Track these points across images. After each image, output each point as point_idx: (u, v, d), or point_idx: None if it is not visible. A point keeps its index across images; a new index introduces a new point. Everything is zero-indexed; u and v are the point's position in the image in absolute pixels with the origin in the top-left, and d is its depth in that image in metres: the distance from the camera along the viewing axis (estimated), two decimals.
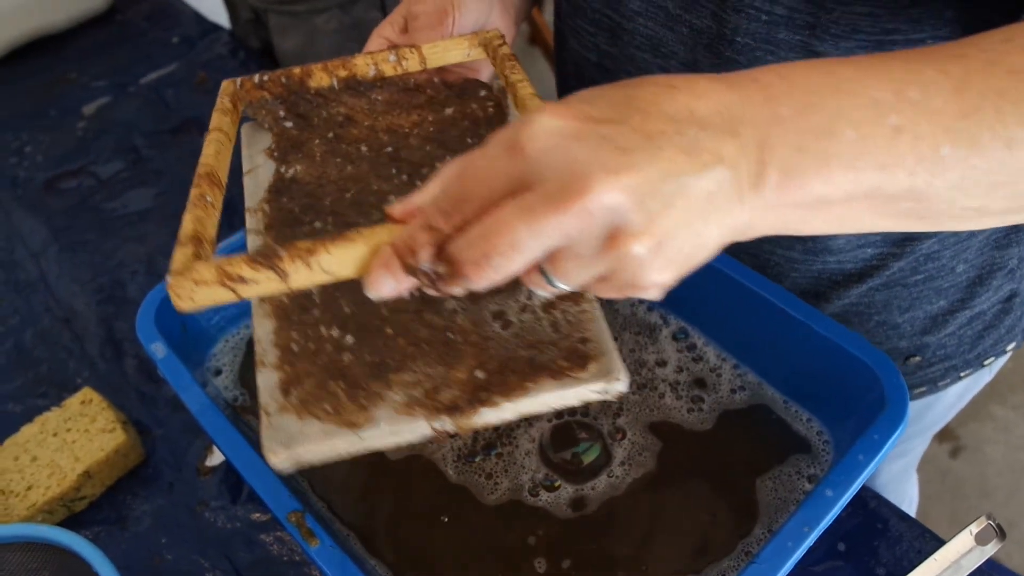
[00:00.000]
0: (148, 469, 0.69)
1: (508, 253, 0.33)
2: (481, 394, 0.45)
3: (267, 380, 0.48)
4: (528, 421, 0.62)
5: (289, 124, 0.60)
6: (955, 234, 0.63)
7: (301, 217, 0.54)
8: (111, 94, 1.07)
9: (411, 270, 0.36)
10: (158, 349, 0.62)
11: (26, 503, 0.65)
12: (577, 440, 0.61)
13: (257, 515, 0.65)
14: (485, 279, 0.34)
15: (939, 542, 0.59)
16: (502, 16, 0.66)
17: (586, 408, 0.63)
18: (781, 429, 0.61)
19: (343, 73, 0.61)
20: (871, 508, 0.62)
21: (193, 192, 0.47)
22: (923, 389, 0.74)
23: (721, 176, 0.34)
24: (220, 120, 0.56)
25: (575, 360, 0.47)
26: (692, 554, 0.56)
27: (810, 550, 0.49)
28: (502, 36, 0.62)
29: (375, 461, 0.61)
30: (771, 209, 0.36)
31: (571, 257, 0.34)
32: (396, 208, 0.37)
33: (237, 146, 0.58)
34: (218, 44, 1.15)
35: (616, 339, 0.66)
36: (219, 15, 1.25)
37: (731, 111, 0.35)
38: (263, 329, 0.50)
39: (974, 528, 0.59)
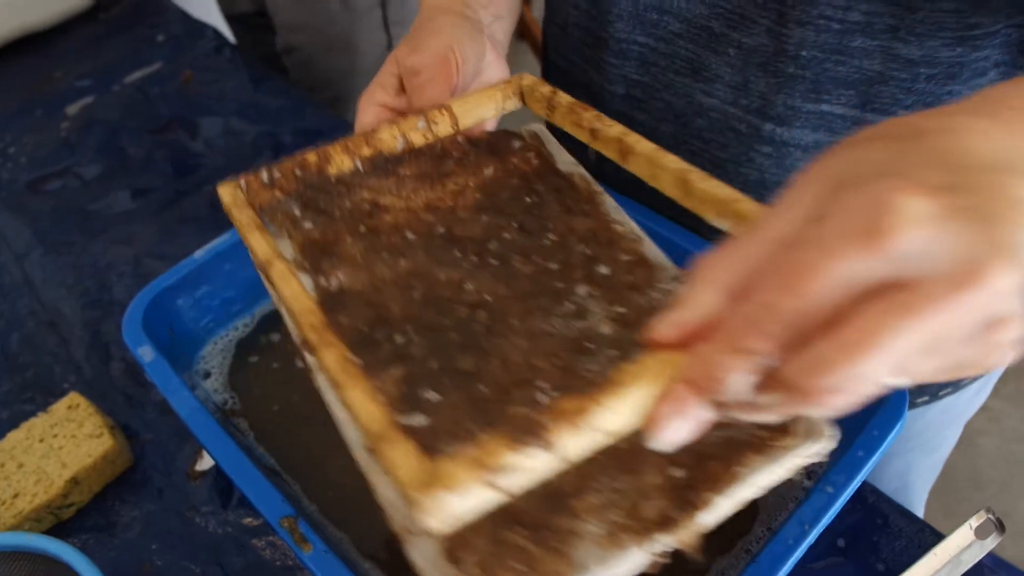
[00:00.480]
0: (137, 474, 0.68)
1: (879, 368, 0.27)
2: (689, 495, 0.38)
3: (424, 552, 0.38)
4: None
5: (308, 225, 0.50)
6: None
7: (373, 335, 0.44)
8: (95, 93, 1.06)
9: (720, 405, 0.29)
10: (145, 353, 0.61)
11: (12, 511, 0.64)
12: None
13: (249, 520, 0.64)
14: (845, 404, 0.28)
15: (938, 537, 0.59)
16: (492, 51, 0.60)
17: None
18: (780, 424, 0.60)
19: (367, 152, 0.52)
20: (870, 503, 0.61)
21: (327, 356, 0.37)
22: (948, 390, 0.73)
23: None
24: (264, 241, 0.45)
25: (773, 427, 0.41)
26: (691, 555, 0.55)
27: (810, 547, 0.49)
28: (542, 80, 0.54)
29: None
30: None
31: (934, 354, 0.28)
32: (665, 330, 0.30)
33: None
34: (204, 42, 1.14)
35: None
36: (205, 12, 1.23)
37: (1020, 148, 0.31)
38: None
39: (973, 522, 0.59)
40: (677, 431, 0.29)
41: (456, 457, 0.29)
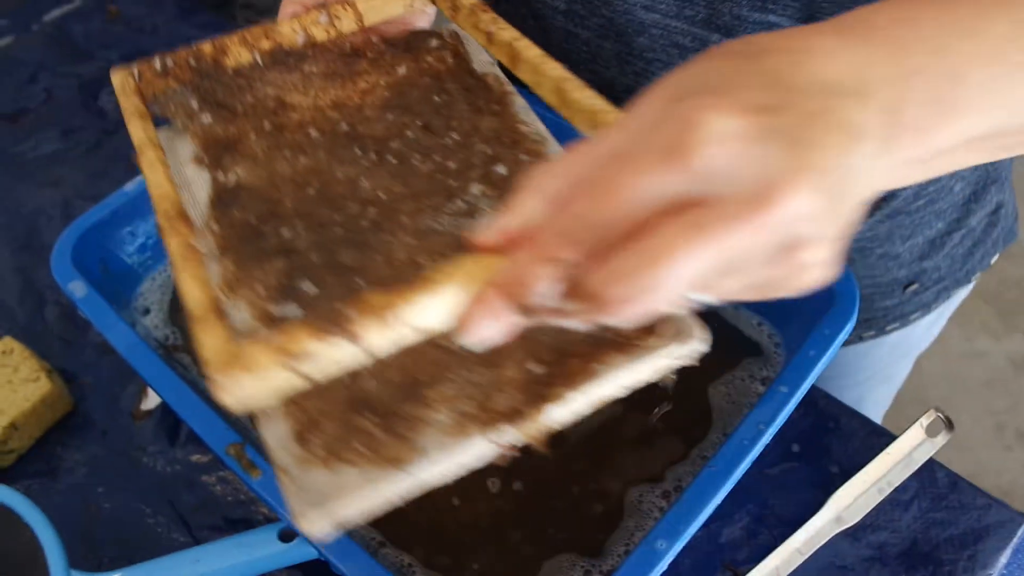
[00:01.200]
0: (78, 418, 0.66)
1: (674, 283, 0.27)
2: (541, 390, 0.38)
3: (275, 432, 0.39)
4: None
5: (207, 119, 0.51)
6: None
7: (261, 228, 0.46)
8: (13, 33, 1.01)
9: (529, 311, 0.29)
10: (77, 288, 0.58)
11: None
12: None
13: (197, 457, 0.63)
14: (639, 315, 0.28)
15: (890, 437, 0.60)
16: None
17: None
18: (732, 334, 0.60)
19: (267, 44, 0.52)
20: (821, 407, 0.62)
21: (172, 242, 0.39)
22: (916, 315, 0.73)
23: (868, 148, 0.29)
24: (142, 128, 0.47)
25: (643, 328, 0.40)
26: (646, 465, 0.55)
27: (764, 452, 0.49)
28: None
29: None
30: (895, 169, 0.32)
31: (734, 273, 0.28)
32: (486, 234, 0.30)
33: None
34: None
35: None
36: None
37: (863, 69, 0.30)
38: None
39: (924, 420, 0.59)
40: (486, 332, 0.29)
41: (260, 342, 0.30)
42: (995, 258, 0.74)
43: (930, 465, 0.58)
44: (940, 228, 0.67)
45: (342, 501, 0.36)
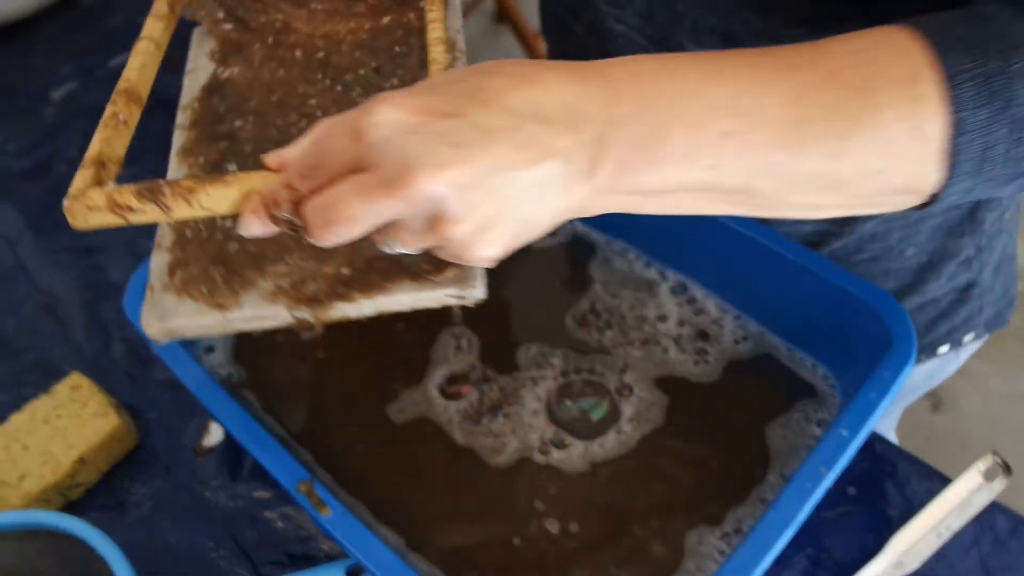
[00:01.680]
0: (143, 452, 0.68)
1: (346, 224, 0.37)
2: (341, 289, 0.49)
3: (159, 261, 0.52)
4: (533, 380, 0.61)
5: (228, 27, 0.63)
6: (903, 216, 0.62)
7: (225, 116, 0.58)
8: (79, 80, 1.05)
9: (274, 219, 0.39)
10: None
11: (20, 492, 0.63)
12: (585, 398, 0.60)
13: (260, 492, 0.64)
14: (329, 241, 0.38)
15: (947, 481, 0.60)
16: None
17: (593, 365, 0.62)
18: (787, 376, 0.60)
19: None
20: (878, 452, 0.62)
21: (108, 109, 0.50)
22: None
23: (552, 168, 0.36)
24: (152, 27, 0.58)
25: (436, 264, 0.48)
26: (705, 506, 0.56)
27: (822, 495, 0.49)
28: None
29: (380, 425, 0.61)
30: (606, 195, 0.39)
31: (404, 230, 0.38)
32: (271, 158, 0.40)
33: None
34: (185, 22, 1.12)
35: (615, 296, 0.66)
36: None
37: (575, 106, 0.37)
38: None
39: (981, 465, 0.59)
40: (252, 226, 0.40)
41: (103, 191, 0.42)
42: (969, 337, 0.73)
43: (990, 509, 0.58)
44: (892, 287, 0.67)
45: (176, 322, 0.49)
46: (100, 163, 0.46)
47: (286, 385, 0.64)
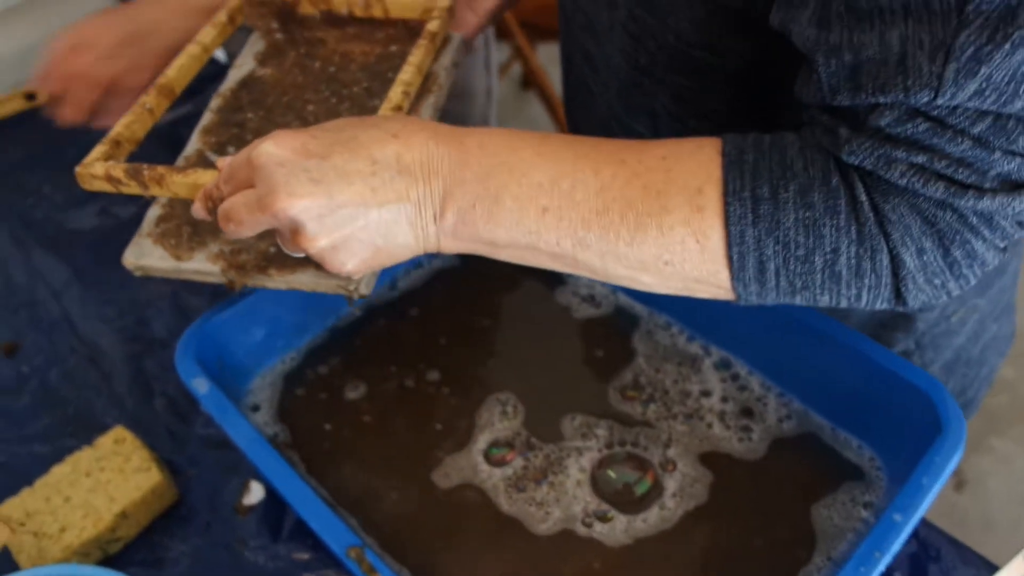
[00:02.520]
0: (183, 509, 0.68)
1: (237, 226, 0.48)
2: (263, 263, 0.61)
3: (152, 213, 0.66)
4: (577, 450, 0.62)
5: (277, 35, 0.76)
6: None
7: (243, 108, 0.71)
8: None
9: (209, 211, 0.52)
10: (200, 384, 0.61)
11: (60, 545, 0.63)
12: (628, 471, 0.61)
13: (300, 554, 0.64)
14: (230, 235, 0.49)
15: (993, 568, 0.59)
16: None
17: (636, 438, 0.62)
18: (832, 456, 0.61)
19: (323, 6, 0.75)
20: (922, 536, 0.61)
21: (141, 98, 0.64)
22: None
23: (403, 209, 0.46)
24: (207, 33, 0.71)
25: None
26: None
27: None
28: (448, 10, 0.71)
29: (424, 490, 0.61)
30: (453, 238, 0.48)
31: (278, 236, 0.49)
32: (219, 163, 0.52)
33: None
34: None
35: (658, 371, 0.66)
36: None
37: (430, 163, 0.47)
38: None
39: None
40: (195, 211, 0.53)
41: (106, 164, 0.57)
42: None
43: None
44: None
45: (146, 262, 0.63)
46: (116, 143, 0.61)
47: (330, 447, 0.65)
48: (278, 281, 0.61)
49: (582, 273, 0.49)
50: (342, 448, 0.65)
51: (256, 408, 0.68)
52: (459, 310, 0.73)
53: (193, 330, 0.65)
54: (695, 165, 0.46)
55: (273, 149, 0.46)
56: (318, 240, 0.46)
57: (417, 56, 0.66)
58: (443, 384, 0.67)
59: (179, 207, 0.66)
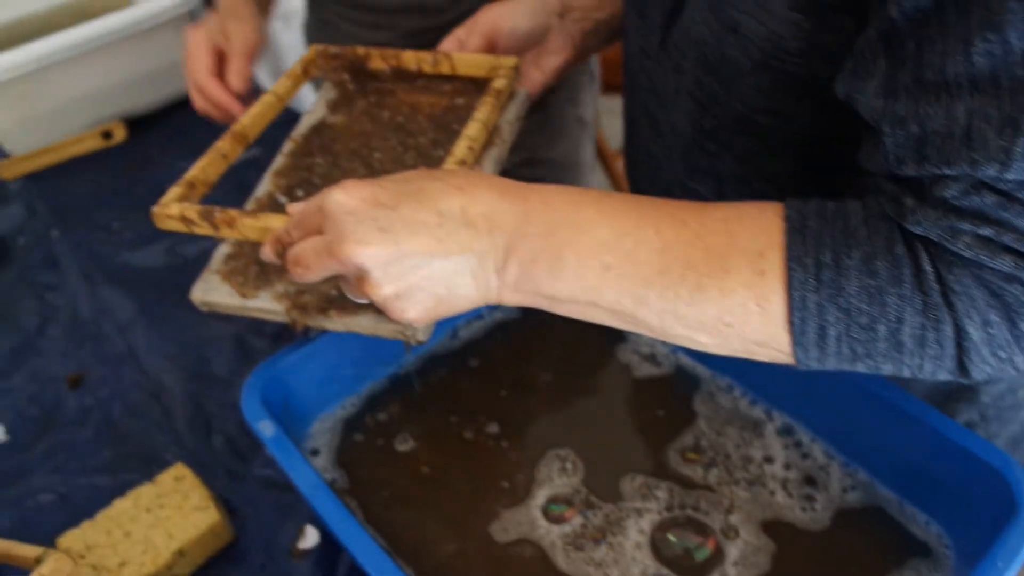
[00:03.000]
0: (237, 549, 0.68)
1: (304, 270, 0.50)
2: (324, 305, 0.63)
3: (222, 250, 0.69)
4: (637, 512, 0.61)
5: (349, 87, 0.79)
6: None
7: (313, 153, 0.74)
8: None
9: (278, 254, 0.54)
10: (266, 427, 0.62)
11: None
12: (689, 536, 0.60)
13: None
14: (298, 279, 0.51)
15: None
16: (560, 34, 0.79)
17: (697, 502, 0.62)
18: (898, 531, 0.59)
19: (394, 62, 0.78)
20: None
21: (216, 144, 0.68)
22: None
23: (466, 261, 0.48)
24: (282, 84, 0.76)
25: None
26: None
27: None
28: (514, 68, 0.73)
29: (482, 544, 0.60)
30: (513, 291, 0.49)
31: (344, 282, 0.52)
32: (289, 208, 0.55)
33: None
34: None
35: (720, 434, 0.66)
36: (298, 102, 1.28)
37: (495, 217, 0.48)
38: None
39: None
40: (264, 254, 0.55)
41: (181, 205, 0.61)
42: None
43: None
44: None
45: (212, 297, 0.66)
46: (191, 184, 0.64)
47: (388, 495, 0.65)
48: (337, 323, 0.62)
49: (641, 331, 0.50)
50: (400, 496, 0.65)
51: (316, 452, 0.68)
52: (519, 363, 0.73)
53: (259, 372, 0.66)
54: (757, 229, 0.46)
55: (343, 198, 0.48)
56: (383, 288, 0.48)
57: (483, 112, 0.68)
58: (502, 437, 0.67)
59: (247, 245, 0.69)
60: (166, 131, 1.20)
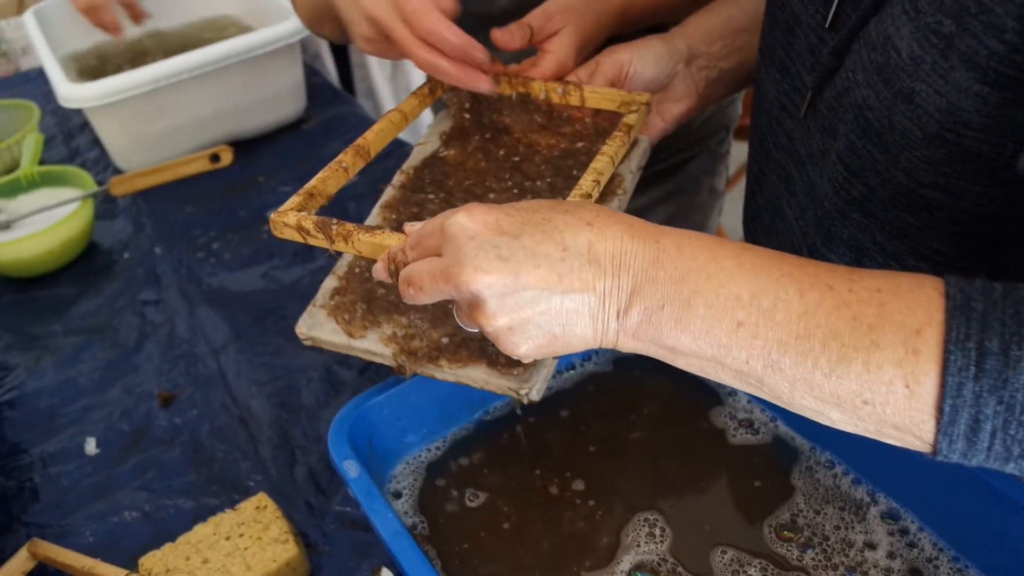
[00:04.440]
0: None
1: (418, 293, 0.49)
2: (435, 353, 0.61)
3: (328, 284, 0.68)
4: None
5: (467, 116, 0.77)
6: None
7: (425, 187, 0.72)
8: None
9: (391, 273, 0.53)
10: (351, 468, 0.61)
11: None
12: None
13: None
14: (408, 299, 0.50)
15: None
16: (684, 80, 0.76)
17: None
18: None
19: (522, 90, 0.75)
20: None
21: (339, 156, 0.67)
22: None
23: (586, 300, 0.46)
24: (408, 102, 0.74)
25: (510, 362, 0.60)
26: None
27: None
28: (646, 104, 0.70)
29: None
30: (632, 338, 0.47)
31: (457, 308, 0.50)
32: (407, 227, 0.54)
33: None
34: (394, 156, 1.19)
35: (819, 513, 0.62)
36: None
37: (622, 257, 0.46)
38: (349, 255, 0.68)
39: None
40: (377, 272, 0.54)
41: (298, 215, 0.60)
42: None
43: None
44: None
45: (317, 333, 0.65)
46: (310, 195, 0.63)
47: (468, 547, 0.63)
48: (448, 374, 0.60)
49: (762, 396, 0.47)
50: (479, 548, 0.63)
51: (398, 495, 0.67)
52: (610, 418, 0.71)
53: (347, 411, 0.65)
54: (914, 303, 0.42)
55: (466, 222, 0.46)
56: (496, 319, 0.46)
57: (612, 147, 0.65)
58: (588, 495, 0.65)
59: (355, 281, 0.67)
60: (270, 156, 1.23)
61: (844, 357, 0.42)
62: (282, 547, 0.67)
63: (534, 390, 0.58)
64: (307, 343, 0.65)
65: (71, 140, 1.33)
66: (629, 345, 0.48)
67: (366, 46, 0.74)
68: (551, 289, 0.45)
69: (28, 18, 1.30)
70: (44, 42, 1.21)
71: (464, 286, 0.46)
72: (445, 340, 0.62)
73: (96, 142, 1.30)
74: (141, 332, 0.94)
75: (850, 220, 0.57)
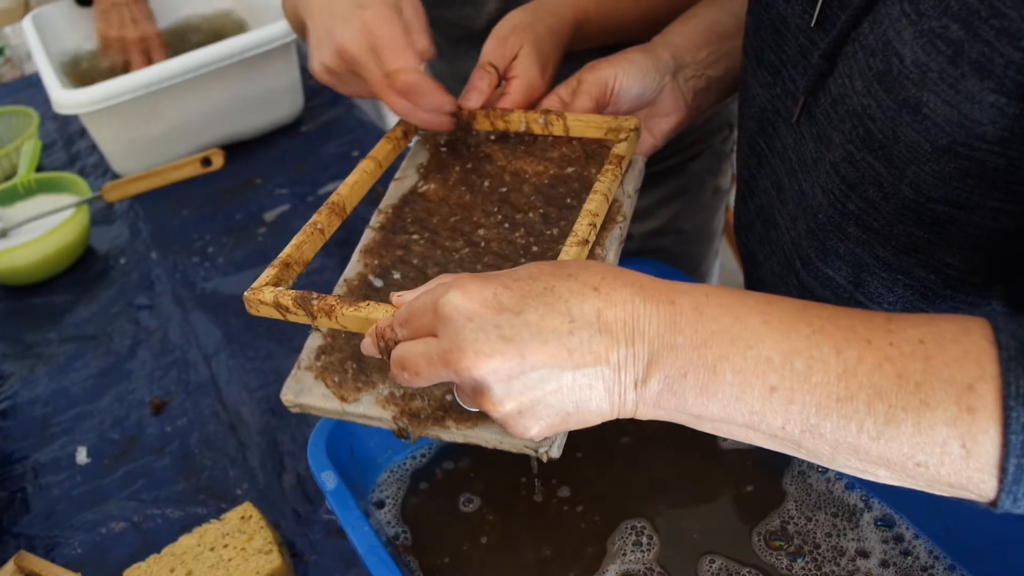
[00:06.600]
0: None
1: (412, 376, 0.45)
2: (440, 413, 0.55)
3: (312, 342, 0.61)
4: None
5: (444, 150, 0.72)
6: None
7: (407, 227, 0.66)
8: (291, 202, 1.11)
9: (380, 350, 0.48)
10: (328, 479, 0.60)
11: None
12: None
13: None
14: (402, 383, 0.46)
15: None
16: (672, 93, 0.71)
17: None
18: None
19: (500, 125, 0.70)
20: None
21: (312, 218, 0.61)
22: None
23: (600, 373, 0.42)
24: (381, 148, 0.69)
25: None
26: None
27: None
28: (635, 130, 0.66)
29: None
30: (656, 408, 0.43)
31: (459, 391, 0.46)
32: (394, 298, 0.49)
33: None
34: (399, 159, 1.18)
35: (810, 519, 0.60)
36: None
37: (635, 323, 0.42)
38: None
39: None
40: (365, 348, 0.49)
41: (274, 291, 0.54)
42: None
43: None
44: None
45: (305, 399, 0.58)
46: (286, 264, 0.58)
47: (451, 559, 0.62)
48: (456, 435, 0.55)
49: (802, 457, 0.43)
50: (462, 558, 0.62)
51: (381, 504, 0.66)
52: (598, 424, 0.69)
53: (327, 421, 0.64)
54: (962, 354, 0.39)
55: (461, 301, 0.42)
56: (503, 404, 0.42)
57: (604, 183, 0.60)
58: (574, 502, 0.64)
59: (341, 338, 0.61)
60: (267, 158, 1.22)
61: (892, 419, 0.39)
62: (265, 558, 0.66)
63: (554, 447, 0.53)
64: (295, 410, 0.59)
65: (71, 145, 1.33)
66: (649, 414, 0.44)
67: (324, 75, 0.69)
68: (561, 366, 0.41)
69: (27, 23, 1.30)
70: (41, 48, 1.21)
71: (466, 372, 0.42)
72: (449, 398, 0.56)
73: (96, 147, 1.30)
74: (135, 338, 0.93)
75: (847, 235, 0.54)
